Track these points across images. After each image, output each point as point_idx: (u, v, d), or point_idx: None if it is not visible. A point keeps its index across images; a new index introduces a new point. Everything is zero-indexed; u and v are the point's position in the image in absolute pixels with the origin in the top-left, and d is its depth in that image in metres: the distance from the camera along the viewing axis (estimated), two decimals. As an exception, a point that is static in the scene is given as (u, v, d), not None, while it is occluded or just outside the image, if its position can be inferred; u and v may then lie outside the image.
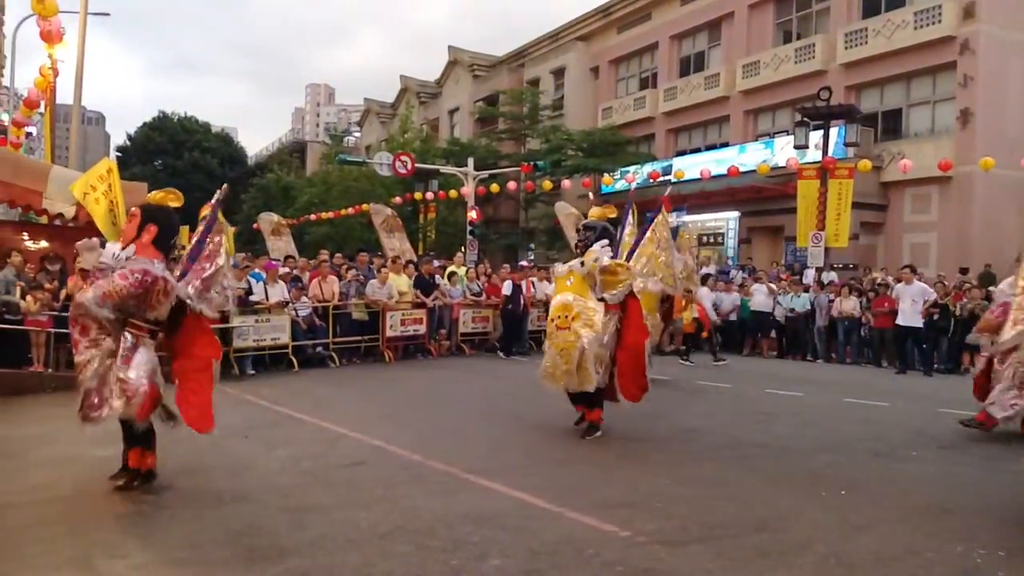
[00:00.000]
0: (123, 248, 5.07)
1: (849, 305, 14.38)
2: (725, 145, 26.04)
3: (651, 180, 22.51)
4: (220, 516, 4.66)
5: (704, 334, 13.95)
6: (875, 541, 4.33)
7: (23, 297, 10.06)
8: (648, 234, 7.56)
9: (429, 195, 25.08)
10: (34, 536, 4.31)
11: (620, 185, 24.72)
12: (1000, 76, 20.43)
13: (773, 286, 15.51)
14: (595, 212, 7.56)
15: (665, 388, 10.20)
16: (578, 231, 7.82)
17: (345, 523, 4.52)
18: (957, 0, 20.30)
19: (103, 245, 5.33)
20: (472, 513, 4.71)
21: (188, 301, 5.03)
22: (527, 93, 33.15)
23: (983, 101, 20.10)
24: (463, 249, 20.73)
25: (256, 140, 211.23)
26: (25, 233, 12.31)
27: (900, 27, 21.48)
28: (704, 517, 4.71)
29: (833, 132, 18.18)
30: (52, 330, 9.89)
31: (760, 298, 15.35)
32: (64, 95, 16.59)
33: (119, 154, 51.06)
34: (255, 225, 24.28)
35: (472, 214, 22.33)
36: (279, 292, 11.96)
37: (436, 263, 15.51)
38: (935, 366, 13.15)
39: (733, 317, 15.65)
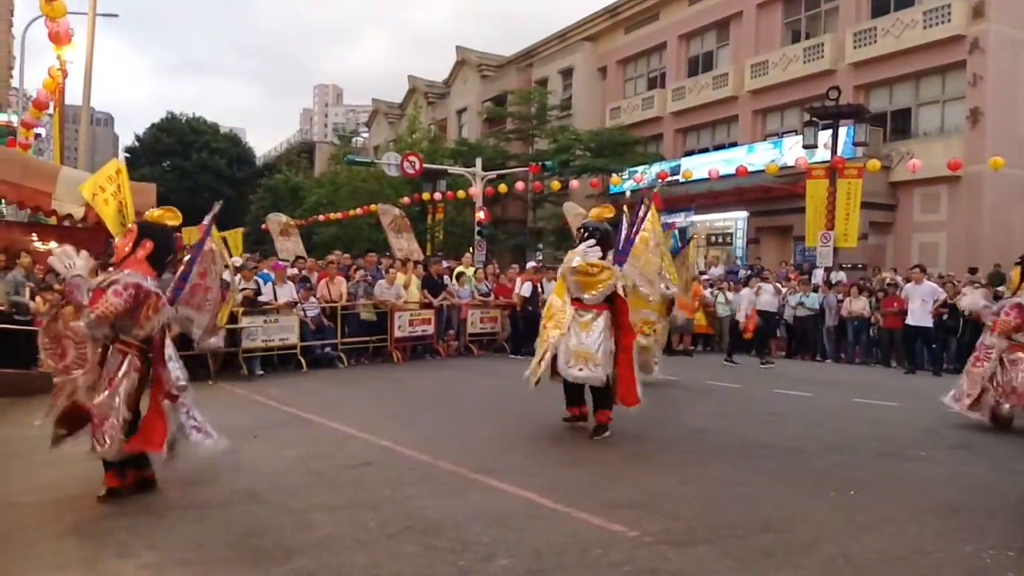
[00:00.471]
0: (116, 264, 5.01)
1: (858, 305, 14.33)
2: (734, 145, 26.00)
3: (659, 180, 22.47)
4: (227, 516, 4.67)
5: (747, 335, 14.06)
6: (883, 541, 4.31)
7: (32, 298, 10.10)
8: (641, 234, 7.49)
9: (437, 195, 25.14)
10: (42, 536, 4.32)
11: (628, 185, 24.69)
12: (1010, 75, 20.34)
13: (780, 286, 15.44)
14: (594, 213, 7.54)
15: (674, 388, 10.19)
16: (578, 231, 7.81)
17: (353, 523, 4.52)
18: (966, -1, 20.23)
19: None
20: (480, 513, 4.71)
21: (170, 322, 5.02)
22: (535, 93, 33.14)
23: (992, 100, 20.00)
24: (471, 249, 20.74)
25: (264, 141, 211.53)
26: (34, 234, 12.40)
27: (909, 26, 21.40)
28: (711, 517, 4.70)
29: (842, 132, 18.14)
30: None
31: (767, 298, 15.29)
32: (73, 96, 16.76)
33: (127, 155, 51.24)
34: (263, 226, 24.36)
35: (480, 214, 22.36)
36: (288, 292, 11.99)
37: (444, 264, 15.53)
38: (944, 366, 13.11)
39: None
